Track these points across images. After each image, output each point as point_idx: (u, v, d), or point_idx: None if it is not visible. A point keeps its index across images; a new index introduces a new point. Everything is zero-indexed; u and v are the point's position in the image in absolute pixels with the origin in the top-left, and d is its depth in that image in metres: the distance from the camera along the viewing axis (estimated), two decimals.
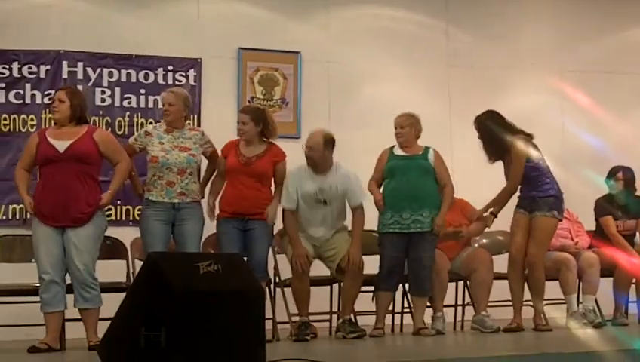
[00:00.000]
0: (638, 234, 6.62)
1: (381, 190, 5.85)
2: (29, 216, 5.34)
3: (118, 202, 6.79)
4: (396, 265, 5.78)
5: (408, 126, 5.88)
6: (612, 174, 6.65)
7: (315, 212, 5.74)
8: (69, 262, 5.11)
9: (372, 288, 5.87)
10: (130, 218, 6.88)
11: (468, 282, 6.22)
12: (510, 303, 6.02)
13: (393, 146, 5.93)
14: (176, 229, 5.45)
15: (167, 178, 5.43)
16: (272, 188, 5.75)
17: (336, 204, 5.77)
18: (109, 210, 6.66)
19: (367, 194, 5.83)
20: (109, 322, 3.98)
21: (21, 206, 6.18)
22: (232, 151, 5.63)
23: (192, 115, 7.12)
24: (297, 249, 5.65)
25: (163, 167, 5.44)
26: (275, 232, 5.86)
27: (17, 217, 6.53)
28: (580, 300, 6.31)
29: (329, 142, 5.73)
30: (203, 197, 5.65)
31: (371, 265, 5.85)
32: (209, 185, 5.76)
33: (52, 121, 5.51)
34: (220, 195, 5.68)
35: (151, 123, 6.07)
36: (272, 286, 5.95)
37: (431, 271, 5.82)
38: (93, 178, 5.20)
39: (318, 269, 5.89)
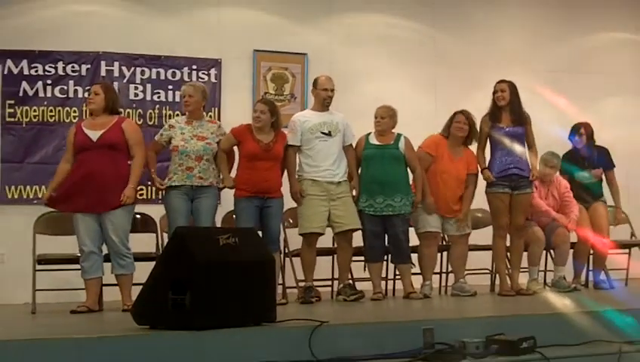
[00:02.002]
0: (605, 180, 6.52)
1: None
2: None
3: (149, 183, 6.75)
4: (376, 239, 5.74)
5: (388, 117, 5.83)
6: (575, 130, 6.54)
7: (323, 143, 5.66)
8: (106, 235, 5.12)
9: (363, 258, 5.85)
10: (160, 197, 6.80)
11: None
12: (484, 271, 5.98)
13: (369, 134, 5.87)
14: (194, 206, 5.41)
15: (187, 164, 5.39)
16: None
17: (338, 137, 5.71)
18: (141, 189, 6.66)
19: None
20: (140, 287, 3.96)
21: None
22: (249, 137, 5.54)
23: (213, 108, 7.14)
24: (294, 186, 5.64)
25: (183, 154, 5.40)
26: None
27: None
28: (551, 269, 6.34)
29: None
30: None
31: (357, 237, 5.83)
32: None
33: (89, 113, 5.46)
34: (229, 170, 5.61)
35: (177, 115, 6.03)
36: (282, 256, 5.91)
37: (407, 242, 5.77)
38: (124, 161, 5.19)
39: (322, 241, 5.83)
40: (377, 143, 5.81)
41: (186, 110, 5.58)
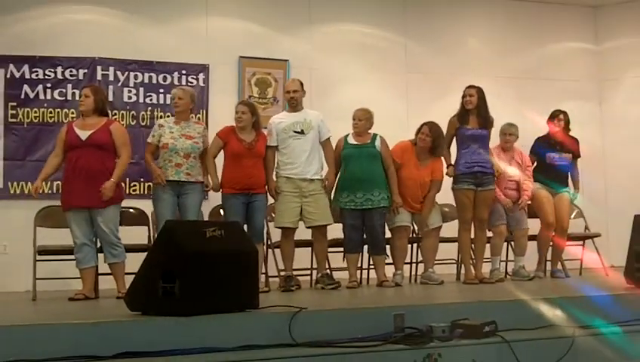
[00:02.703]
0: (573, 164, 6.51)
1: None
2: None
3: (142, 179, 6.76)
4: (355, 232, 5.75)
5: (365, 119, 5.84)
6: (554, 116, 6.52)
7: (297, 142, 5.65)
8: (97, 228, 5.11)
9: (342, 249, 5.85)
10: (152, 192, 6.80)
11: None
12: (450, 261, 6.06)
13: (347, 135, 5.88)
14: (180, 201, 5.40)
15: (176, 160, 5.37)
16: None
17: (312, 134, 5.69)
18: (134, 185, 6.64)
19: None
20: (133, 276, 3.95)
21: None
22: (233, 137, 5.55)
23: (201, 110, 7.11)
24: (271, 182, 5.65)
25: (172, 151, 5.38)
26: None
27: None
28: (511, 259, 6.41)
29: (302, 85, 5.79)
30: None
31: (340, 230, 5.84)
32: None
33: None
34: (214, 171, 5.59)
35: (168, 116, 6.01)
36: (264, 247, 5.91)
37: (383, 235, 5.80)
38: (110, 160, 5.16)
39: (301, 233, 5.85)
40: (355, 143, 5.82)
41: (176, 111, 5.57)
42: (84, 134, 5.12)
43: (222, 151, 5.61)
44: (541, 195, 6.37)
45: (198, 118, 6.98)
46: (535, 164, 6.46)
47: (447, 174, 5.98)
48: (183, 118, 5.54)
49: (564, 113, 6.55)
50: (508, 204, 6.19)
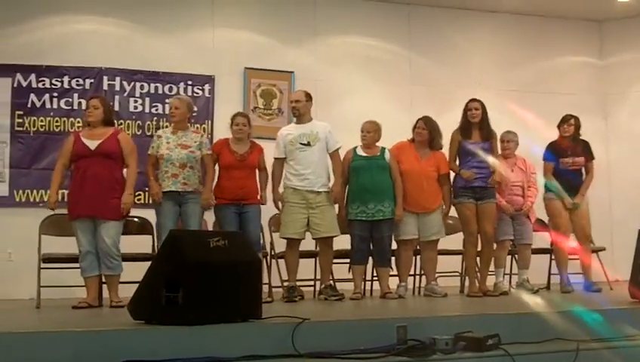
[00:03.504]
0: (583, 169, 6.44)
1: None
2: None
3: (146, 189, 6.73)
4: (363, 243, 5.75)
5: (374, 131, 5.86)
6: (565, 121, 6.47)
7: (303, 153, 5.65)
8: (98, 237, 5.11)
9: (348, 260, 5.84)
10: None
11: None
12: (454, 273, 6.05)
13: (356, 147, 5.88)
14: (182, 210, 5.41)
15: (172, 171, 5.40)
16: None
17: (318, 145, 5.68)
18: (138, 195, 6.65)
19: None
20: (136, 285, 3.94)
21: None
22: (225, 150, 5.60)
23: (206, 121, 7.14)
24: (276, 194, 5.68)
25: (168, 161, 5.41)
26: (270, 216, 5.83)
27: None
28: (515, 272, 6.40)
29: (309, 96, 5.78)
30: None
31: (346, 242, 5.83)
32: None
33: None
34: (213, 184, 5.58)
35: (166, 126, 6.03)
36: (268, 257, 5.91)
37: (390, 247, 5.79)
38: (118, 169, 5.22)
39: (305, 244, 5.84)
40: (365, 155, 5.84)
41: (172, 121, 5.59)
42: (92, 144, 5.15)
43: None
44: (554, 207, 6.33)
45: (203, 129, 7.00)
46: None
47: (465, 178, 5.85)
48: (181, 127, 5.54)
49: (575, 118, 6.48)
50: (509, 210, 6.15)
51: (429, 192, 5.88)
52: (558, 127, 6.51)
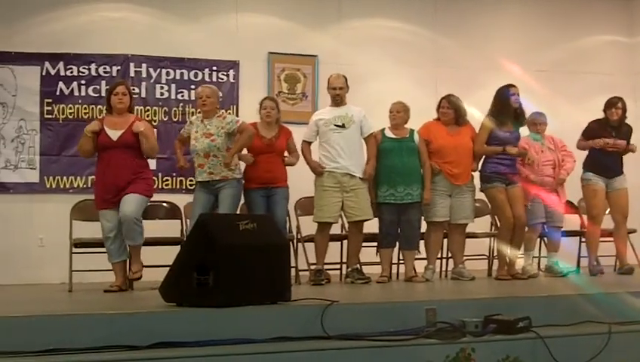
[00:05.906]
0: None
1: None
2: None
3: (174, 174, 6.82)
4: (392, 227, 5.72)
5: (403, 111, 5.82)
6: (612, 104, 6.29)
7: (337, 135, 5.64)
8: (120, 209, 5.09)
9: (376, 244, 5.83)
10: (184, 187, 6.89)
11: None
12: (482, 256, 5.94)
13: (383, 129, 5.84)
14: (219, 198, 5.38)
15: (199, 161, 5.41)
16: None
17: (353, 128, 5.67)
18: (167, 180, 6.71)
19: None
20: (166, 269, 3.98)
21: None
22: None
23: (231, 106, 7.15)
24: (311, 162, 5.69)
25: (194, 152, 5.44)
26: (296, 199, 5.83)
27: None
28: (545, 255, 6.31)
29: (346, 80, 5.81)
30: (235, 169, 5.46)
31: (373, 225, 5.81)
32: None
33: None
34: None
35: (199, 112, 6.04)
36: (295, 241, 5.92)
37: (419, 230, 5.77)
38: (141, 156, 5.25)
39: (332, 228, 5.83)
40: (394, 136, 5.80)
41: (203, 110, 5.53)
42: (115, 134, 5.19)
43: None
44: (590, 188, 6.24)
45: (229, 113, 7.00)
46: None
47: (510, 153, 5.76)
48: (209, 115, 5.52)
49: (622, 100, 6.32)
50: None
51: (465, 164, 5.81)
52: (604, 110, 6.33)
